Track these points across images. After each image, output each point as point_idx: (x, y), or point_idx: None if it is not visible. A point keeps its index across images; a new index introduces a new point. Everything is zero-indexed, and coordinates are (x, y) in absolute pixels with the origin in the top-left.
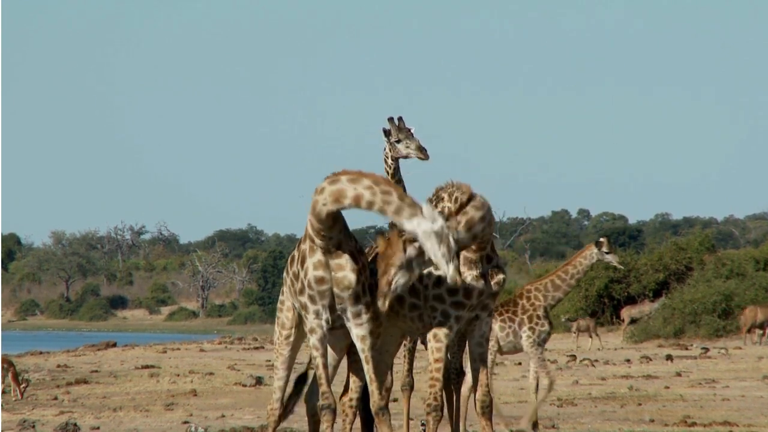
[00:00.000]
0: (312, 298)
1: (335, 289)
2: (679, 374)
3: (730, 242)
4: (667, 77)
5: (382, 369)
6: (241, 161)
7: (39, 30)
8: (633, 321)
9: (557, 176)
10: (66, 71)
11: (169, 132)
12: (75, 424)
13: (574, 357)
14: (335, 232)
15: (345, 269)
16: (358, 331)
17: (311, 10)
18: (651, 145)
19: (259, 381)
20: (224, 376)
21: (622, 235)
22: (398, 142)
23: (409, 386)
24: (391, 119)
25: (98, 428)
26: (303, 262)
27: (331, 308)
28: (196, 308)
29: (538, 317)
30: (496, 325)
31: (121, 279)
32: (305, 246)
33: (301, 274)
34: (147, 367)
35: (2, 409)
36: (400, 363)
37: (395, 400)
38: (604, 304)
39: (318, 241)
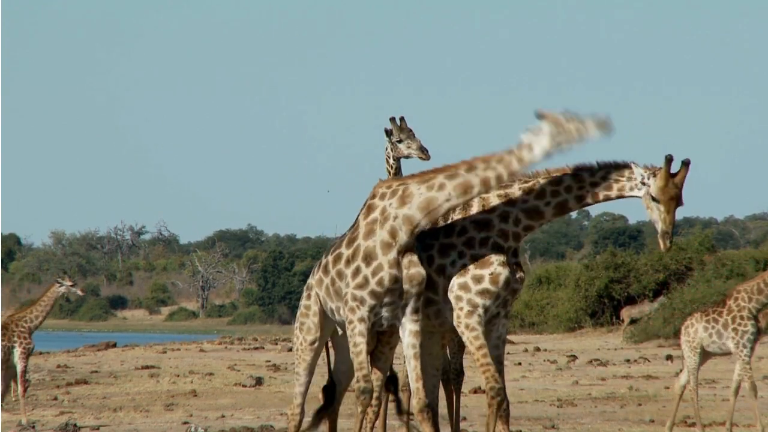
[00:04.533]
0: (376, 295)
1: (406, 285)
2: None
3: (730, 242)
4: (667, 77)
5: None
6: (241, 161)
7: (39, 29)
8: (633, 321)
9: None
10: (66, 71)
11: (169, 132)
12: (75, 425)
13: (574, 357)
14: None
15: (418, 265)
16: (413, 327)
17: (311, 9)
18: (650, 145)
19: (259, 381)
20: (224, 376)
21: (622, 236)
22: (400, 142)
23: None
24: (393, 119)
25: (98, 428)
26: (368, 259)
27: (392, 305)
28: (196, 308)
29: (742, 318)
30: (700, 325)
31: (121, 279)
32: (371, 243)
33: (365, 271)
34: (147, 367)
35: (2, 409)
36: (401, 363)
37: None
38: (604, 305)
39: (407, 238)
